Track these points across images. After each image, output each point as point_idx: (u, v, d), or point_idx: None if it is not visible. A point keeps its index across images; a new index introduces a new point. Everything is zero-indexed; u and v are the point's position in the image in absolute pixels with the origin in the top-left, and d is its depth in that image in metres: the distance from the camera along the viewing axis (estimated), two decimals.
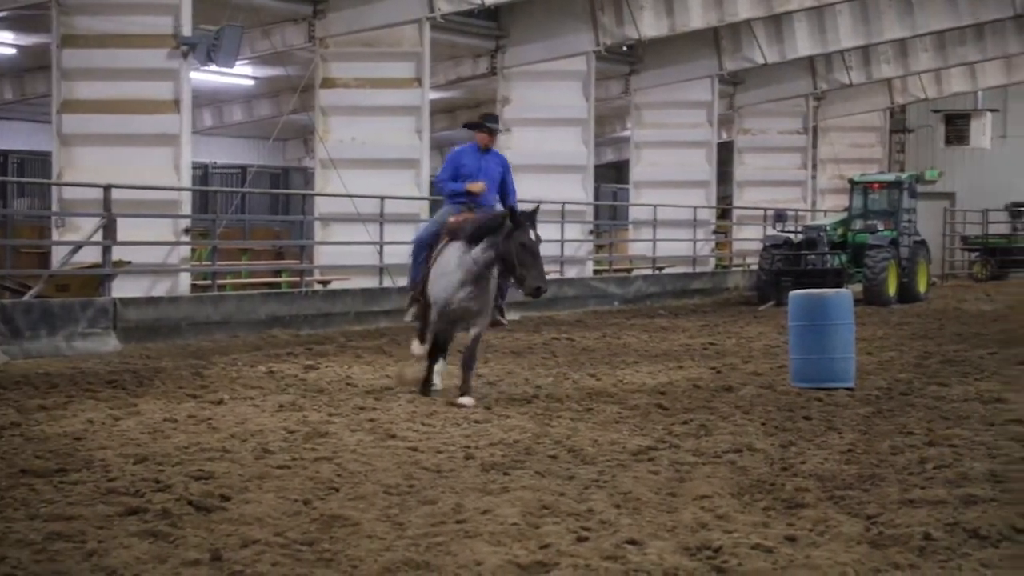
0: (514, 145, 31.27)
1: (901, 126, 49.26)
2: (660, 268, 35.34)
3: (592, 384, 15.54)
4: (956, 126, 45.48)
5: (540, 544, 7.59)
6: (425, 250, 14.50)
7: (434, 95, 31.81)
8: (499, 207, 14.53)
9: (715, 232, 39.71)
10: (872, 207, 33.75)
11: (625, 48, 34.95)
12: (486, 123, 14.85)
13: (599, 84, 33.46)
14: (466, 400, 13.51)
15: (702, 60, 36.20)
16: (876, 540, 7.73)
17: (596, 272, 33.98)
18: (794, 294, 15.73)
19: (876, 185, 34.14)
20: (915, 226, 33.66)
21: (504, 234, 13.53)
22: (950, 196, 48.07)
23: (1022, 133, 47.70)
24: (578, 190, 32.01)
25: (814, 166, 45.32)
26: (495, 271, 13.85)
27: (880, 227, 32.74)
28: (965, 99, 46.52)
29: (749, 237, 40.25)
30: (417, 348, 14.88)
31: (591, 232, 34.12)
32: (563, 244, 30.87)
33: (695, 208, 36.10)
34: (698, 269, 36.47)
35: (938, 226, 45.90)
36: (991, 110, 46.23)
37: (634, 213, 36.88)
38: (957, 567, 7.12)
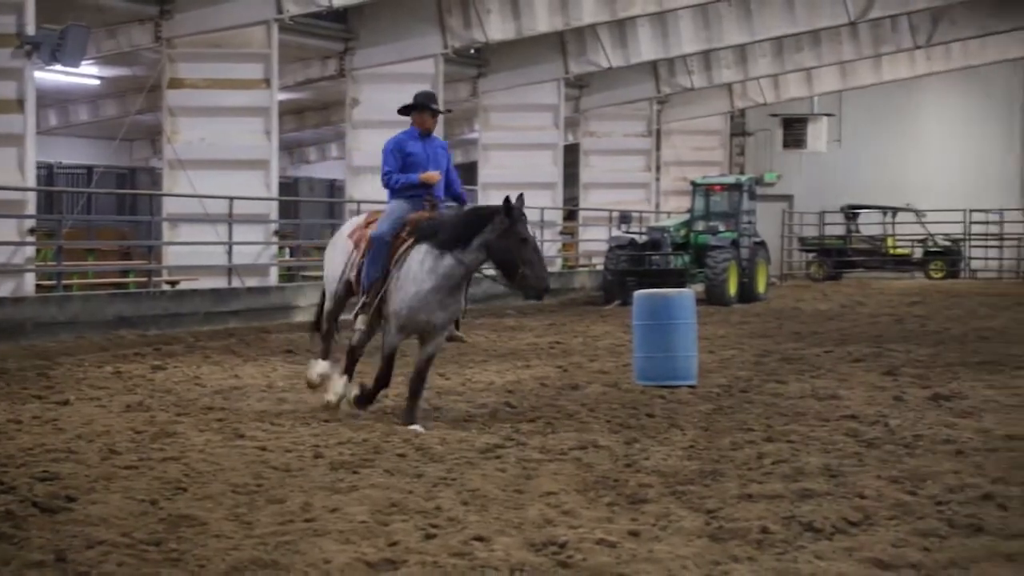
0: (363, 147, 31.19)
1: (741, 130, 49.99)
2: None
3: (441, 383, 15.54)
4: (793, 130, 46.30)
5: (388, 542, 7.59)
6: (386, 249, 12.43)
7: (283, 96, 31.54)
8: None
9: (561, 233, 39.92)
10: (713, 209, 34.20)
11: (473, 51, 34.98)
12: (428, 103, 12.92)
13: (447, 86, 33.45)
14: (418, 427, 11.90)
15: (548, 64, 36.39)
16: (716, 534, 7.85)
17: None
18: (638, 294, 15.89)
19: (717, 187, 34.60)
20: (755, 227, 34.18)
21: (498, 230, 11.89)
22: (788, 198, 48.92)
23: (857, 137, 48.67)
24: None
25: (658, 168, 45.75)
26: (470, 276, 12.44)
27: (721, 228, 33.20)
28: (802, 104, 47.32)
29: (595, 238, 40.52)
30: (322, 369, 13.21)
31: None
32: None
33: (542, 209, 36.24)
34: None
35: (777, 227, 46.73)
36: (827, 115, 47.12)
37: None
38: (793, 559, 7.25)
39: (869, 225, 47.41)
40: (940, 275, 45.91)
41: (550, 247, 37.82)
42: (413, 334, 12.56)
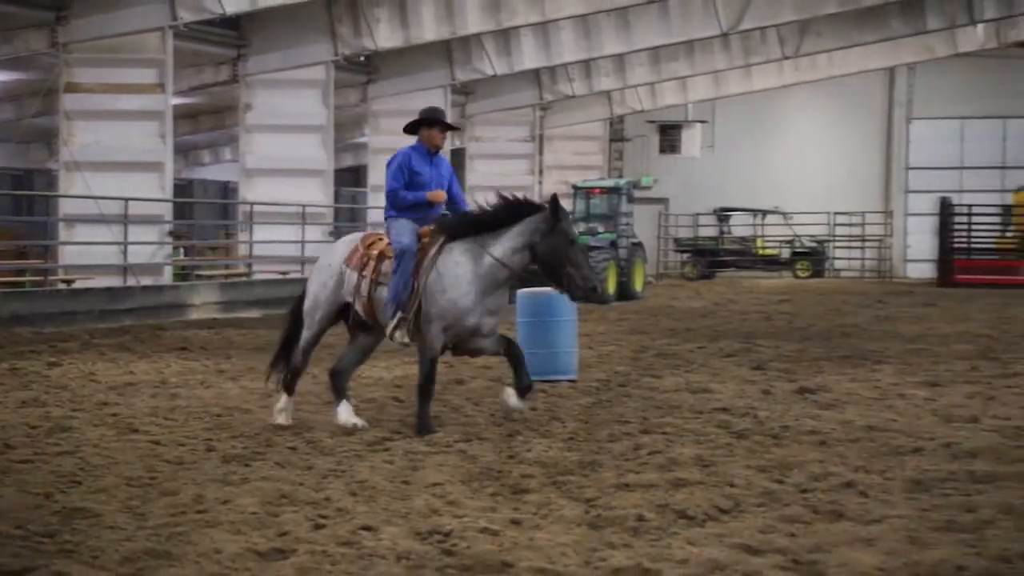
0: (256, 149, 30.99)
1: (619, 135, 50.35)
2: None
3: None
4: (669, 136, 46.69)
5: (278, 532, 7.54)
6: (413, 261, 11.31)
7: (177, 100, 31.19)
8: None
9: None
10: (593, 211, 34.38)
11: (362, 58, 34.84)
12: (439, 118, 11.84)
13: (338, 92, 33.30)
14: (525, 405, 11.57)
15: (435, 71, 36.33)
16: (594, 522, 7.88)
17: None
18: (521, 292, 15.91)
19: (597, 190, 34.78)
20: (632, 229, 34.39)
21: (543, 230, 11.16)
22: (664, 201, 49.37)
23: (729, 143, 49.18)
24: (318, 193, 31.86)
25: (540, 172, 45.90)
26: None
27: (601, 230, 33.36)
28: (677, 111, 47.72)
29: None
30: (285, 405, 11.87)
31: (331, 233, 33.93)
32: (304, 245, 30.64)
33: None
34: None
35: (653, 229, 47.12)
36: (700, 121, 47.57)
37: (372, 215, 36.80)
38: (667, 545, 7.30)
39: (740, 227, 47.98)
40: (806, 274, 46.58)
41: None
42: (456, 339, 11.42)
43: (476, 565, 6.88)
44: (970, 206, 42.76)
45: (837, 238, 49.33)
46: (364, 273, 11.58)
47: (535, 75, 40.83)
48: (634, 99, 46.50)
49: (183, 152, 48.49)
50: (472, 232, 11.34)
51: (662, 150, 46.60)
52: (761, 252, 47.44)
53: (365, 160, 40.37)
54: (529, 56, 36.39)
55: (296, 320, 12.24)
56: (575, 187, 35.18)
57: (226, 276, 29.74)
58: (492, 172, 43.03)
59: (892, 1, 35.56)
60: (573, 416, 12.37)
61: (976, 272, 40.66)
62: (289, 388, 11.99)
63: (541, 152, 45.93)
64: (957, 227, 42.43)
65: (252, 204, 30.36)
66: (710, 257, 47.21)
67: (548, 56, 36.49)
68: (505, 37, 35.67)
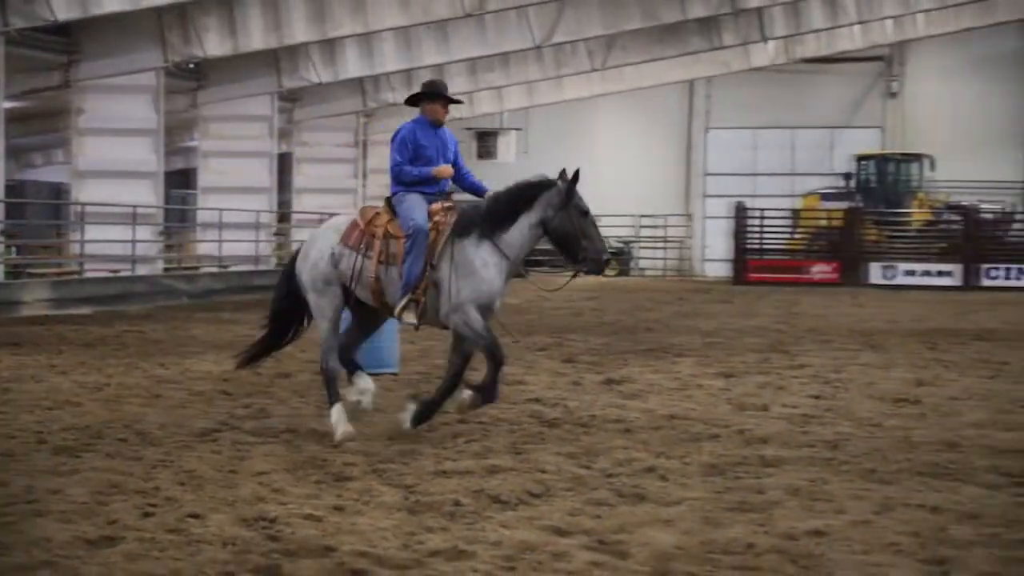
0: (88, 152, 30.33)
1: None
2: (226, 266, 34.93)
3: (161, 372, 15.19)
4: (485, 142, 46.88)
5: (108, 520, 7.39)
6: (425, 240, 10.50)
7: (8, 104, 30.33)
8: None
9: (275, 234, 39.50)
10: None
11: (191, 65, 34.28)
12: (441, 92, 11.09)
13: (168, 97, 32.71)
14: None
15: (263, 78, 35.92)
16: (412, 507, 7.88)
17: (166, 270, 33.25)
18: None
19: None
20: None
21: (555, 204, 10.56)
22: None
23: (542, 149, 49.54)
24: (149, 194, 31.28)
25: (364, 176, 45.69)
26: None
27: None
28: (493, 119, 47.97)
29: (306, 239, 40.21)
30: (339, 418, 10.53)
31: (161, 233, 33.37)
32: (135, 244, 30.07)
33: (257, 212, 35.85)
34: (260, 267, 36.16)
35: None
36: (515, 129, 47.87)
37: (202, 216, 36.27)
38: (481, 528, 7.33)
39: None
40: (614, 273, 47.12)
41: (264, 247, 37.43)
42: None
43: (300, 550, 6.83)
44: (762, 210, 43.74)
45: (642, 239, 50.07)
46: (369, 254, 10.66)
47: (359, 83, 40.60)
48: (453, 107, 46.51)
49: (14, 154, 47.18)
50: (491, 221, 10.57)
51: (479, 156, 46.71)
52: None
53: (195, 163, 39.74)
54: (353, 65, 36.21)
55: (277, 322, 11.42)
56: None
57: (58, 274, 29.03)
58: (317, 175, 42.79)
59: (691, 19, 36.21)
60: (395, 408, 12.34)
61: (768, 271, 41.68)
62: (336, 396, 10.73)
63: (365, 156, 45.70)
64: (750, 229, 43.37)
65: (84, 205, 29.68)
66: (526, 257, 47.43)
67: (371, 65, 36.36)
68: (330, 47, 35.44)
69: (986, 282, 39.24)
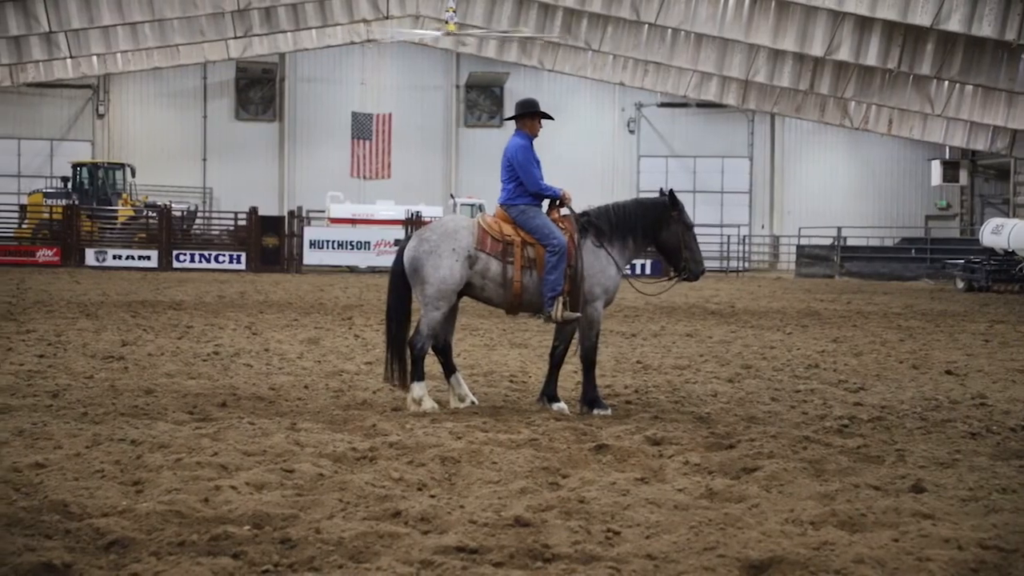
0: None
1: None
2: None
3: None
4: None
5: None
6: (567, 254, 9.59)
7: None
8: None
9: None
10: None
11: None
12: (539, 110, 9.90)
13: None
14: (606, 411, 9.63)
15: None
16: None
17: None
18: None
19: None
20: None
21: (664, 219, 9.83)
22: None
23: None
24: None
25: None
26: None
27: None
28: None
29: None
30: (419, 392, 9.53)
31: None
32: None
33: None
34: None
35: None
36: None
37: None
38: None
39: None
40: None
41: None
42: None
43: None
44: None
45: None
46: (509, 260, 9.60)
47: None
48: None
49: None
50: (613, 231, 9.83)
51: None
52: None
53: None
54: None
55: (398, 318, 9.74)
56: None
57: None
58: None
59: None
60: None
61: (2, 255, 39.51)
62: (422, 374, 9.60)
63: None
64: None
65: None
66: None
67: None
68: None
69: (177, 265, 39.86)
